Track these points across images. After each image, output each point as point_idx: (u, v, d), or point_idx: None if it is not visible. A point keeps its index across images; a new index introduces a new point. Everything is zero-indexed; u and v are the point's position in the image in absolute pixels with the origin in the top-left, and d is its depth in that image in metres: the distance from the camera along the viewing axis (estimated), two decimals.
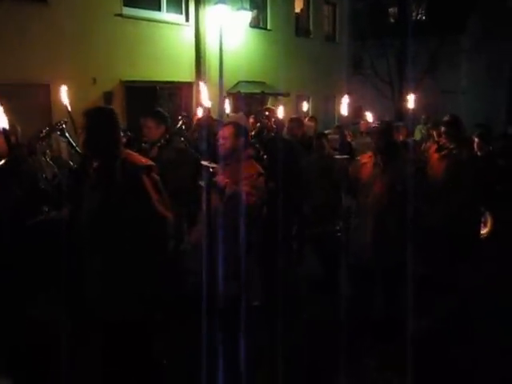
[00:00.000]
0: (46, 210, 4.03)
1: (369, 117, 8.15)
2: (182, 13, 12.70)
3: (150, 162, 3.09)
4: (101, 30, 10.52)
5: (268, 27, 15.38)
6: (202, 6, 12.70)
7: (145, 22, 11.58)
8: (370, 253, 4.36)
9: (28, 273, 3.67)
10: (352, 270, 4.66)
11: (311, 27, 17.38)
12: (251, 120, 5.92)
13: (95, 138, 2.93)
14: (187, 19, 12.74)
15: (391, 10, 23.67)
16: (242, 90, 13.07)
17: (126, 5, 11.19)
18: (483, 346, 4.25)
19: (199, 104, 6.32)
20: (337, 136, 6.95)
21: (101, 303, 2.98)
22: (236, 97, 13.00)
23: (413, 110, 4.94)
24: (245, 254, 3.49)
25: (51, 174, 4.66)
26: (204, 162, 3.38)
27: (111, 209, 2.86)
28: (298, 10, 17.01)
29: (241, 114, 4.13)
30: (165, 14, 12.25)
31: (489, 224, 5.89)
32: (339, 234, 5.31)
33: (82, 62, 10.02)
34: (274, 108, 6.50)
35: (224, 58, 11.26)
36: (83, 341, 3.82)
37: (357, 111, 14.06)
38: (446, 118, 5.54)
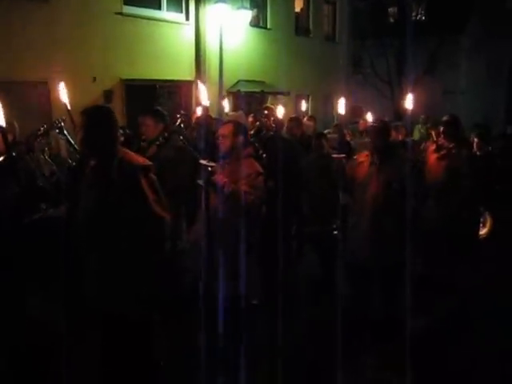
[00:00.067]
0: (44, 207, 4.03)
1: (368, 116, 8.14)
2: (182, 11, 12.69)
3: (147, 162, 3.07)
4: (101, 28, 10.51)
5: (268, 26, 15.37)
6: (202, 4, 12.70)
7: (145, 21, 11.58)
8: (367, 252, 4.36)
9: (26, 270, 3.67)
10: (350, 269, 4.66)
11: (311, 26, 17.38)
12: (250, 119, 5.91)
13: (93, 136, 2.93)
14: (187, 18, 12.73)
15: (391, 9, 23.66)
16: (242, 89, 13.08)
17: (126, 3, 11.17)
18: (482, 346, 4.24)
19: (199, 103, 6.31)
20: (336, 135, 6.94)
21: (97, 302, 2.97)
22: (236, 96, 13.01)
23: (412, 109, 4.93)
24: (244, 253, 3.49)
25: (49, 172, 4.66)
26: (202, 161, 3.37)
27: (107, 208, 2.85)
28: (297, 9, 17.00)
29: (240, 112, 4.11)
30: (165, 13, 12.24)
31: (488, 224, 5.89)
32: (335, 233, 5.31)
33: (82, 61, 10.01)
34: (273, 107, 6.49)
35: (224, 56, 11.26)
36: (81, 340, 3.81)
37: (356, 111, 14.08)
38: (444, 118, 5.54)
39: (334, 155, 4.62)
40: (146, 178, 2.94)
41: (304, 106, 9.07)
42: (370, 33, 19.02)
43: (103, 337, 3.08)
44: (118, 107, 10.29)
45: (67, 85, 3.81)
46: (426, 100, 11.79)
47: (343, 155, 4.54)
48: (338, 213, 5.00)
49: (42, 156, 4.81)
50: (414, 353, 3.77)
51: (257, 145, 4.70)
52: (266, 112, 6.09)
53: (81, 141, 2.99)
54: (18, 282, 3.65)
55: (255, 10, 14.86)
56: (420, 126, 11.11)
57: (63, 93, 3.74)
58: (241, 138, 3.67)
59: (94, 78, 10.38)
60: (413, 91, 5.15)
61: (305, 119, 7.55)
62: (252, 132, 5.22)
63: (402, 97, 11.69)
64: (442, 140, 5.48)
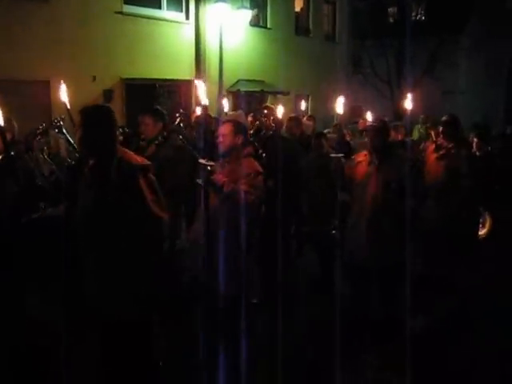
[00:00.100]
0: (43, 206, 4.02)
1: (368, 116, 8.13)
2: (182, 11, 12.70)
3: (146, 162, 3.06)
4: (101, 27, 10.52)
5: (268, 26, 15.38)
6: (202, 4, 12.70)
7: (145, 20, 11.59)
8: (366, 252, 4.35)
9: (25, 270, 3.66)
10: (349, 269, 4.65)
11: (311, 26, 17.38)
12: (250, 118, 5.90)
13: (91, 136, 2.91)
14: (187, 17, 12.73)
15: (391, 9, 23.65)
16: (242, 89, 13.09)
17: (126, 2, 11.20)
18: (482, 346, 4.24)
19: (198, 102, 6.30)
20: (336, 135, 6.93)
21: (96, 302, 2.96)
22: (235, 95, 13.02)
23: (411, 109, 4.93)
24: (244, 252, 3.48)
25: (48, 171, 4.65)
26: (202, 161, 3.36)
27: (106, 207, 2.84)
28: (297, 8, 17.01)
29: (240, 111, 4.09)
30: (165, 12, 12.24)
31: (488, 224, 5.89)
32: (334, 232, 5.30)
33: (82, 60, 10.02)
34: (272, 106, 6.48)
35: (224, 56, 11.26)
36: (81, 340, 3.80)
37: (356, 110, 14.09)
38: (444, 118, 5.54)
39: (332, 155, 4.61)
40: (144, 177, 2.93)
41: (303, 105, 9.05)
42: (370, 33, 19.01)
43: (102, 337, 3.07)
44: (117, 106, 10.30)
45: (67, 84, 3.80)
46: (425, 100, 11.79)
47: (341, 155, 4.52)
48: (337, 212, 4.99)
49: (40, 155, 4.80)
50: (414, 353, 3.76)
51: (256, 144, 4.69)
52: (265, 111, 6.07)
53: (80, 140, 2.98)
54: (17, 282, 3.64)
55: (255, 10, 14.87)
56: (419, 125, 11.09)
57: (63, 92, 3.73)
58: (240, 138, 3.66)
59: (94, 77, 10.38)
60: (412, 91, 5.16)
61: (304, 119, 7.54)
62: (251, 131, 5.21)
63: (401, 97, 11.71)
64: (441, 140, 5.48)
